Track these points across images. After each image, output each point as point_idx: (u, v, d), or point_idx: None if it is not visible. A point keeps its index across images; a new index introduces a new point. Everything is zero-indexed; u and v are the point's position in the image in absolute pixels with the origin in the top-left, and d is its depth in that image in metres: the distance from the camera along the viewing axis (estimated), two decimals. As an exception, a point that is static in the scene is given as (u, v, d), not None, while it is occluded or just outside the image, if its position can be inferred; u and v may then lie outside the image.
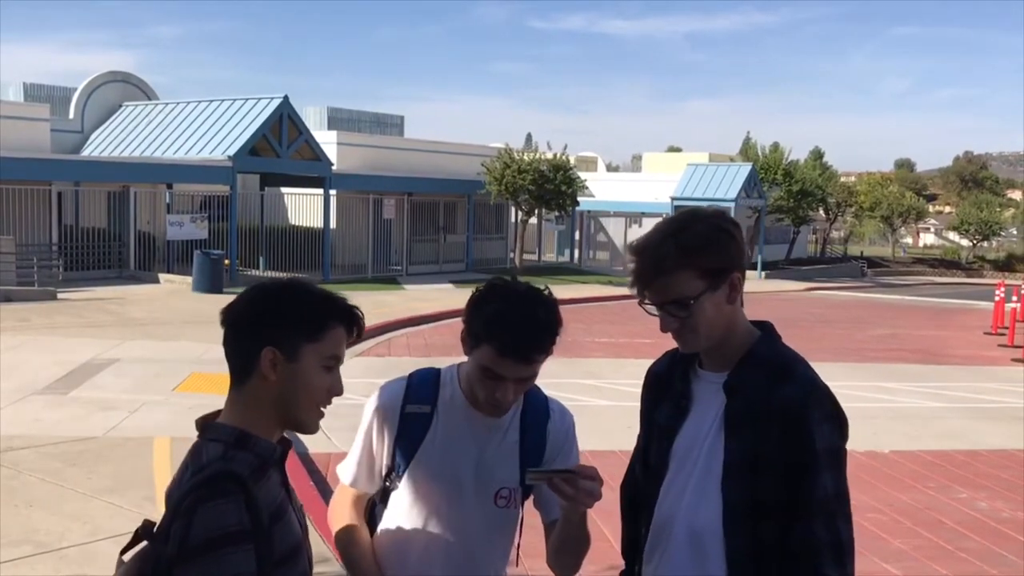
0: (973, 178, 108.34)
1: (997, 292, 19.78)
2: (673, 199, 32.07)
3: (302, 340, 1.72)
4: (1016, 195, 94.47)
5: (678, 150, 59.04)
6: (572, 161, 31.67)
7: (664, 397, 2.10)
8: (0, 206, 20.27)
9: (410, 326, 16.43)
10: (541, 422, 2.22)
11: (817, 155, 57.08)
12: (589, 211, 35.70)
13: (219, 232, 22.87)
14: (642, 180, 39.21)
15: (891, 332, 19.32)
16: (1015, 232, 61.42)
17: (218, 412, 1.78)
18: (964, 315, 23.98)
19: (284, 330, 1.72)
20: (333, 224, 25.16)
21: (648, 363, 2.23)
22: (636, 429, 2.22)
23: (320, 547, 4.62)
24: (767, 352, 1.97)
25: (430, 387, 2.20)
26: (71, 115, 26.47)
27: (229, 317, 1.77)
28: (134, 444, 7.70)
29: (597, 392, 10.83)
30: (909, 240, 69.12)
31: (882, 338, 18.26)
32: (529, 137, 61.20)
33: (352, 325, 1.79)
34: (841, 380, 11.33)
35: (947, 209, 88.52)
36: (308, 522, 1.90)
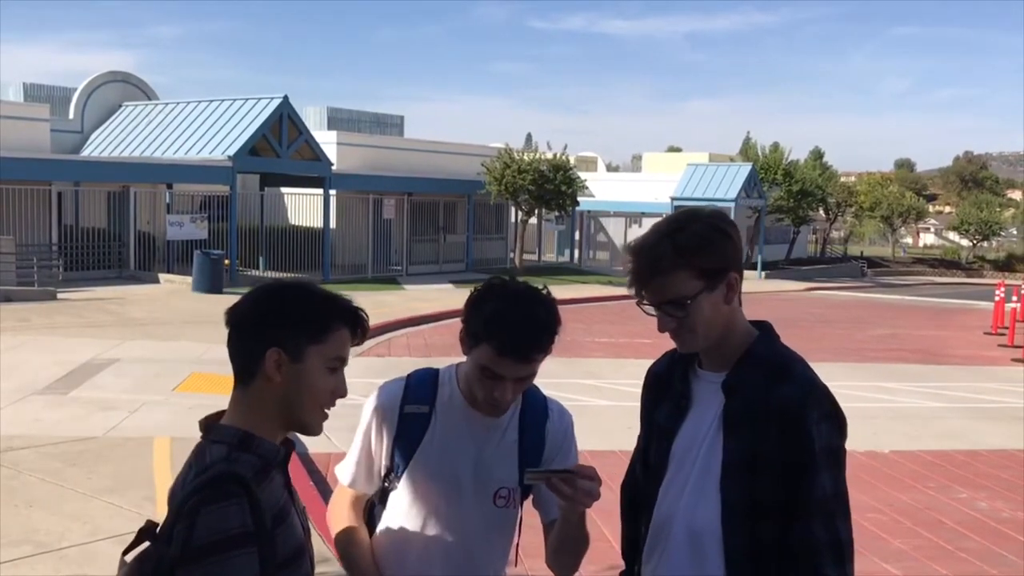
0: (973, 178, 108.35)
1: (997, 292, 19.78)
2: (673, 199, 32.07)
3: (306, 341, 1.72)
4: (1016, 195, 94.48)
5: (678, 150, 59.04)
6: (572, 161, 31.68)
7: (664, 397, 2.10)
8: (0, 206, 20.28)
9: (410, 326, 16.43)
10: (540, 422, 2.22)
11: (817, 155, 57.10)
12: (589, 211, 35.71)
13: (219, 232, 22.88)
14: (642, 180, 39.21)
15: (891, 332, 19.32)
16: (1015, 232, 61.42)
17: (221, 413, 1.78)
18: (964, 315, 23.98)
19: (289, 331, 1.72)
20: (333, 224, 25.16)
21: (648, 363, 2.23)
22: (636, 429, 2.22)
23: (320, 547, 4.62)
24: (765, 352, 1.98)
25: (428, 387, 2.20)
26: (71, 115, 26.47)
27: (233, 318, 1.76)
28: (134, 444, 7.70)
29: (597, 392, 10.84)
30: (909, 240, 69.13)
31: (882, 338, 18.26)
32: (529, 137, 61.30)
33: (356, 327, 1.79)
34: (841, 380, 11.34)
35: (947, 209, 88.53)
36: (309, 523, 1.90)
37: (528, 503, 2.26)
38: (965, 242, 53.99)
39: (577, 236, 36.56)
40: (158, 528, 1.68)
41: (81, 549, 5.35)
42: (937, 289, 34.32)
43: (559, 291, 17.19)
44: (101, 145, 25.94)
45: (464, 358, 2.13)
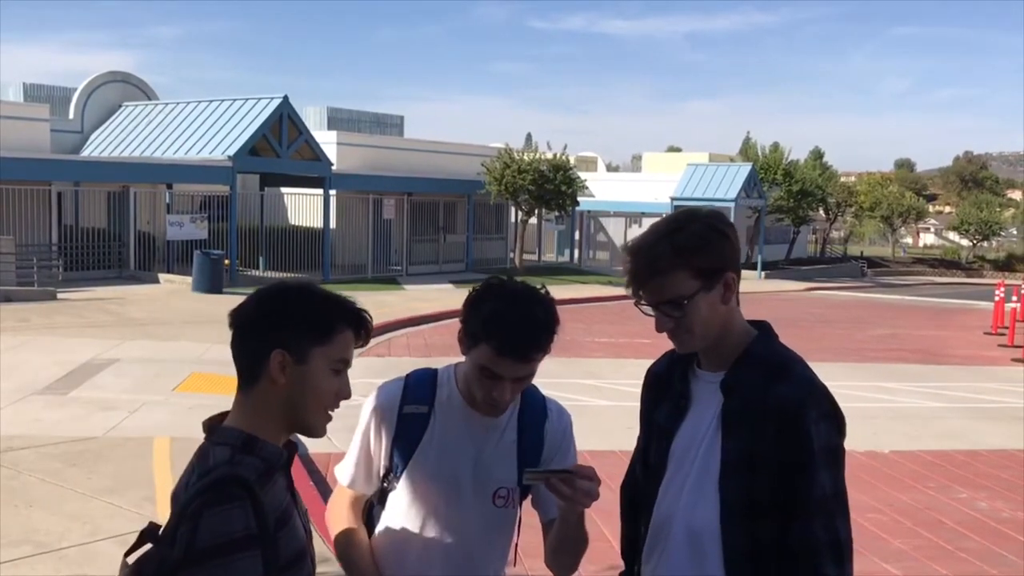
0: (973, 178, 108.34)
1: (997, 292, 19.78)
2: (673, 199, 32.08)
3: (311, 343, 1.72)
4: (1016, 195, 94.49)
5: (678, 150, 59.04)
6: (572, 161, 31.68)
7: (663, 397, 2.11)
8: (0, 206, 20.28)
9: (410, 326, 16.43)
10: (539, 422, 2.22)
11: (817, 155, 57.11)
12: (589, 211, 35.72)
13: (219, 232, 22.88)
14: (642, 180, 39.20)
15: (891, 332, 19.32)
16: (1015, 232, 61.43)
17: (225, 414, 1.78)
18: (964, 315, 23.98)
19: (293, 333, 1.71)
20: (333, 224, 25.16)
21: (648, 363, 2.24)
22: (636, 429, 2.23)
23: (320, 548, 4.62)
24: (764, 351, 1.98)
25: (427, 387, 2.20)
26: (71, 115, 26.48)
27: (237, 319, 1.76)
28: (134, 444, 7.70)
29: (597, 392, 10.84)
30: (909, 240, 69.13)
31: (882, 338, 18.26)
32: (529, 137, 61.29)
33: (360, 329, 1.79)
34: (841, 380, 11.34)
35: (947, 209, 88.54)
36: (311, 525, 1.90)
37: (527, 503, 2.26)
38: (965, 242, 54.00)
39: (577, 236, 36.56)
40: (160, 530, 1.67)
41: (81, 549, 5.35)
42: (937, 289, 34.32)
43: (559, 291, 17.15)
44: (101, 145, 25.94)
45: (463, 358, 2.13)
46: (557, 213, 30.99)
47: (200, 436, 1.77)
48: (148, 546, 1.67)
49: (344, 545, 2.21)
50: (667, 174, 36.18)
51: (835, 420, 1.92)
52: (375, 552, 2.21)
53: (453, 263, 29.61)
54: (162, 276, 21.71)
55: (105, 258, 22.61)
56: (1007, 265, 47.54)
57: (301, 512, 1.82)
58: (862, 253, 50.60)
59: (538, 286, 2.12)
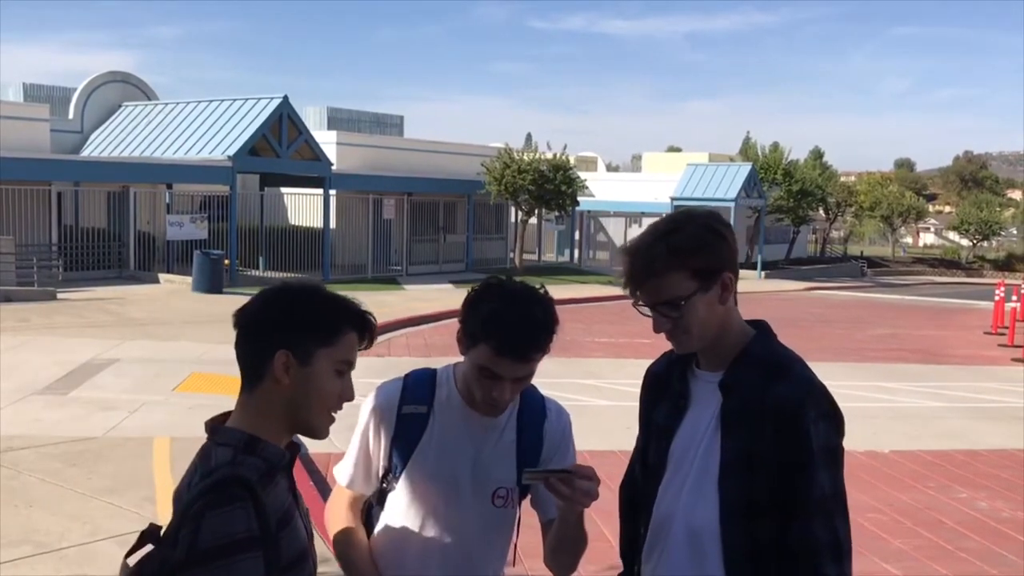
0: (973, 178, 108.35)
1: (997, 292, 19.79)
2: (673, 199, 32.09)
3: (315, 344, 1.72)
4: (1016, 195, 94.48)
5: (678, 150, 59.03)
6: (572, 161, 31.68)
7: (662, 397, 2.11)
8: (0, 206, 20.28)
9: (410, 326, 16.43)
10: (538, 421, 2.22)
11: (817, 155, 57.14)
12: (589, 211, 35.72)
13: (219, 232, 22.88)
14: (642, 180, 39.21)
15: (891, 332, 19.32)
16: (1015, 232, 61.44)
17: (227, 414, 1.78)
18: (964, 315, 23.98)
19: (298, 334, 1.71)
20: (333, 224, 25.17)
21: (648, 363, 2.24)
22: (635, 429, 2.23)
23: (320, 548, 4.62)
24: (762, 351, 1.98)
25: (426, 387, 2.20)
26: (71, 115, 26.48)
27: (242, 319, 1.76)
28: (134, 444, 7.70)
29: (597, 392, 10.84)
30: (909, 240, 69.14)
31: (882, 338, 18.26)
32: (529, 137, 61.28)
33: (364, 331, 1.79)
34: (841, 380, 11.35)
35: (947, 209, 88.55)
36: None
37: (526, 502, 2.26)
38: (965, 242, 54.01)
39: (577, 236, 36.57)
40: (161, 531, 1.67)
41: (81, 549, 5.35)
42: (937, 289, 34.32)
43: (559, 291, 17.11)
44: (101, 145, 25.94)
45: (462, 358, 2.13)
46: (557, 213, 30.99)
47: (201, 436, 1.77)
48: (149, 547, 1.67)
49: (343, 545, 2.21)
50: (667, 174, 36.18)
51: (834, 420, 1.92)
52: (374, 552, 2.21)
53: (453, 263, 29.61)
54: (162, 276, 21.72)
55: (105, 258, 22.61)
56: (1007, 265, 47.55)
57: (303, 513, 1.82)
58: (862, 253, 50.60)
59: (537, 286, 2.12)
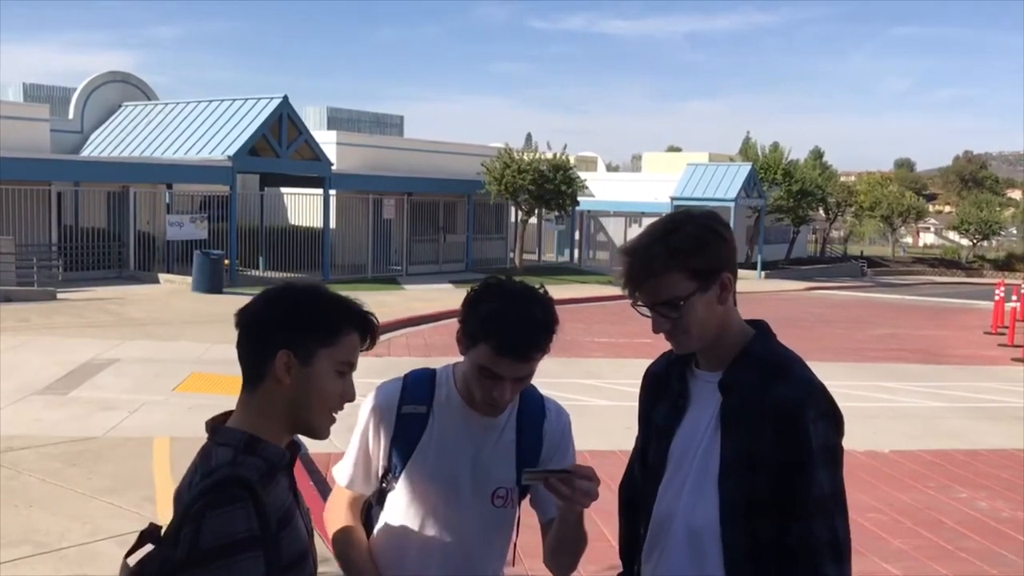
0: (973, 177, 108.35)
1: (997, 292, 19.78)
2: (673, 199, 32.09)
3: (317, 345, 1.72)
4: (1016, 194, 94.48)
5: (678, 150, 59.02)
6: (572, 161, 31.68)
7: (662, 397, 2.11)
8: (0, 206, 20.28)
9: (410, 326, 16.43)
10: (537, 421, 2.22)
11: (817, 155, 57.08)
12: (589, 211, 35.72)
13: (219, 232, 22.88)
14: (642, 180, 39.21)
15: (891, 332, 19.32)
16: (1015, 231, 61.46)
17: (228, 414, 1.78)
18: (964, 315, 23.98)
19: (299, 334, 1.71)
20: (333, 224, 25.17)
21: (648, 363, 2.24)
22: (635, 429, 2.23)
23: (321, 548, 4.62)
24: (761, 351, 1.98)
25: (426, 387, 2.20)
26: (71, 115, 26.48)
27: (244, 319, 1.76)
28: (134, 444, 7.70)
29: (597, 392, 10.84)
30: (909, 240, 69.14)
31: (882, 338, 18.26)
32: (529, 137, 61.25)
33: (366, 332, 1.79)
34: (841, 380, 11.35)
35: (947, 209, 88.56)
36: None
37: (526, 502, 2.26)
38: (965, 241, 54.03)
39: (577, 236, 36.57)
40: (162, 531, 1.68)
41: (81, 549, 5.35)
42: (937, 289, 34.33)
43: (559, 291, 17.06)
44: (101, 145, 25.94)
45: (462, 358, 2.13)
46: (557, 213, 31.00)
47: (201, 436, 1.78)
48: (149, 547, 1.67)
49: (343, 545, 2.21)
50: (667, 174, 36.18)
51: (833, 419, 1.92)
52: (373, 552, 2.21)
53: (453, 263, 29.61)
54: (162, 276, 21.72)
55: (105, 258, 22.61)
56: (1007, 264, 47.56)
57: (303, 512, 1.82)
58: (862, 253, 50.61)
59: (537, 286, 2.12)
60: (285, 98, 23.43)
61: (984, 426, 10.04)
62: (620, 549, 2.23)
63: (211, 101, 25.07)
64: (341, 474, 2.28)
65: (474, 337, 2.04)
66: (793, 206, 36.43)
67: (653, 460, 2.08)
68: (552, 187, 27.90)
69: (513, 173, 27.65)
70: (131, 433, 8.07)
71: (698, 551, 1.95)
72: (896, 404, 11.17)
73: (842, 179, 53.17)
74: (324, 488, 6.45)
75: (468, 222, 30.47)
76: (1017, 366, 14.73)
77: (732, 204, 31.36)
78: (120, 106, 27.26)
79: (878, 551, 5.82)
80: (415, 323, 16.80)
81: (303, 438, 1.82)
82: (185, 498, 1.65)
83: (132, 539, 1.69)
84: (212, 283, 19.77)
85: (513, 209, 30.83)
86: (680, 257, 1.91)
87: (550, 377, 8.31)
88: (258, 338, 1.74)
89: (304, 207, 25.81)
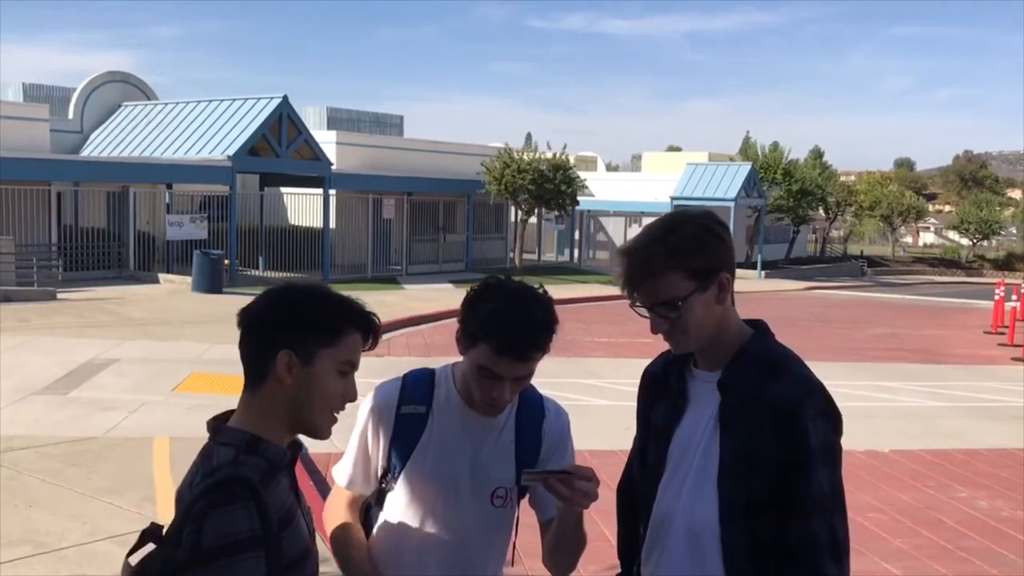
0: (973, 177, 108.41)
1: (997, 291, 19.79)
2: (673, 199, 32.09)
3: (318, 345, 1.72)
4: (1016, 194, 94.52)
5: (678, 150, 59.04)
6: (572, 161, 31.69)
7: (660, 397, 2.11)
8: (0, 206, 20.28)
9: (410, 326, 16.43)
10: (536, 421, 2.22)
11: (817, 154, 57.12)
12: (589, 211, 35.73)
13: (219, 232, 22.88)
14: (642, 180, 39.22)
15: (891, 331, 19.32)
16: (1015, 231, 61.48)
17: (229, 413, 1.78)
18: (964, 314, 23.99)
19: (300, 334, 1.72)
20: (333, 224, 25.17)
21: (648, 363, 2.24)
22: (635, 430, 2.23)
23: (322, 547, 4.62)
24: (759, 350, 1.98)
25: (425, 387, 2.20)
26: (70, 115, 26.48)
27: (246, 319, 1.76)
28: (134, 444, 7.70)
29: (597, 392, 10.84)
30: (909, 239, 69.16)
31: (882, 337, 18.26)
32: (529, 137, 61.29)
33: (368, 332, 1.80)
34: (841, 379, 11.36)
35: (947, 208, 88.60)
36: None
37: (525, 502, 2.26)
38: (965, 241, 54.04)
39: (577, 236, 36.57)
40: (163, 530, 1.68)
41: (81, 549, 5.35)
42: (937, 288, 34.33)
43: (559, 291, 17.02)
44: (101, 145, 25.94)
45: (462, 358, 2.13)
46: (557, 213, 31.00)
47: (201, 435, 1.78)
48: (151, 546, 1.67)
49: (342, 545, 2.21)
50: (667, 174, 36.19)
51: (832, 418, 1.92)
52: (373, 552, 2.21)
53: (453, 263, 29.61)
54: (162, 276, 21.72)
55: (105, 258, 22.61)
56: (1007, 264, 47.56)
57: (304, 511, 1.82)
58: (862, 252, 50.62)
59: (536, 285, 2.12)
60: (285, 98, 23.43)
61: (984, 425, 10.04)
62: (618, 550, 2.23)
63: (211, 101, 25.07)
64: (340, 474, 2.28)
65: (474, 337, 2.03)
66: (793, 206, 36.44)
67: (652, 460, 2.08)
68: (552, 187, 27.90)
69: (513, 173, 27.65)
70: (131, 433, 8.07)
71: (698, 551, 1.95)
72: (896, 404, 11.17)
73: (842, 179, 53.20)
74: (324, 488, 6.45)
75: (468, 222, 30.47)
76: (1017, 365, 14.73)
77: (732, 204, 31.38)
78: (120, 106, 27.26)
79: (878, 551, 5.82)
80: (415, 323, 16.80)
81: (304, 438, 1.83)
82: (187, 498, 1.65)
83: (132, 539, 1.69)
84: (212, 283, 19.78)
85: (513, 209, 30.83)
86: (679, 257, 1.91)
87: (550, 377, 8.31)
88: (259, 338, 1.74)
89: (304, 207, 25.81)
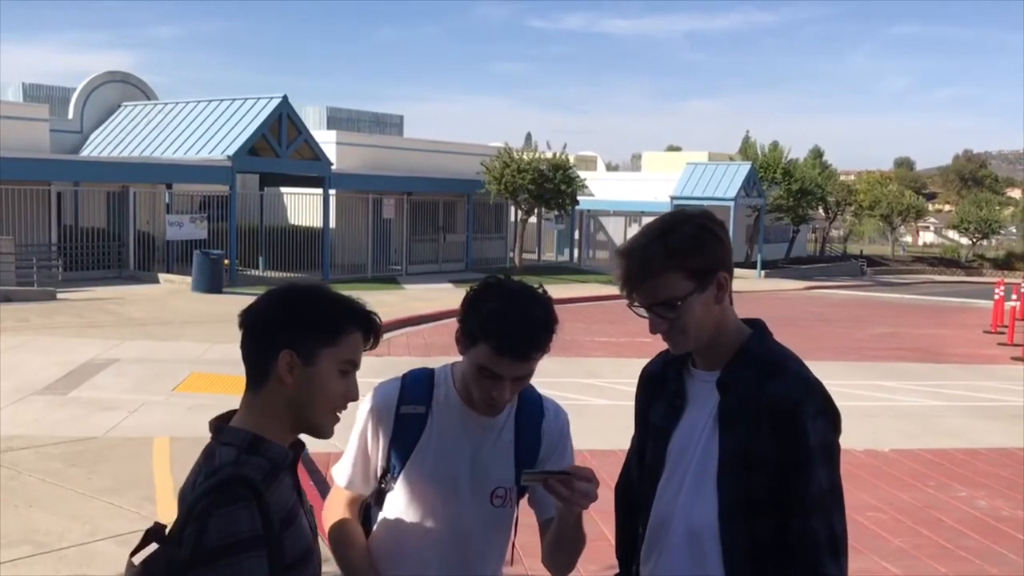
0: (973, 176, 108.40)
1: (996, 290, 19.80)
2: (673, 198, 32.09)
3: (319, 344, 1.73)
4: (1015, 193, 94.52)
5: (678, 149, 59.05)
6: (572, 160, 31.69)
7: (659, 397, 2.11)
8: (0, 206, 20.28)
9: (410, 326, 16.43)
10: (536, 421, 2.22)
11: (816, 154, 57.11)
12: (589, 210, 35.73)
13: (219, 232, 22.88)
14: (642, 179, 39.23)
15: (891, 331, 19.32)
16: (1014, 230, 61.49)
17: (232, 413, 1.79)
18: (963, 313, 23.99)
19: (302, 334, 1.72)
20: (333, 224, 25.17)
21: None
22: (633, 430, 2.23)
23: (322, 547, 4.62)
24: (758, 349, 1.98)
25: (424, 387, 2.20)
26: (70, 115, 26.48)
27: (247, 319, 1.77)
28: (134, 444, 7.71)
29: (597, 392, 10.84)
30: (909, 239, 69.15)
31: (882, 337, 18.26)
32: (529, 137, 61.18)
33: (369, 331, 1.80)
34: (841, 379, 11.36)
35: (947, 208, 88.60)
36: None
37: (524, 502, 2.26)
38: (965, 240, 54.04)
39: (577, 235, 36.57)
40: (167, 530, 1.68)
41: (81, 549, 5.35)
42: (937, 287, 34.33)
43: (558, 290, 17.02)
44: (100, 145, 25.94)
45: (462, 358, 2.13)
46: (557, 212, 31.00)
47: (201, 435, 1.78)
48: (154, 546, 1.68)
49: (341, 545, 2.21)
50: (667, 173, 36.20)
51: (830, 417, 1.92)
52: (372, 552, 2.21)
53: (453, 263, 29.61)
54: (162, 276, 21.72)
55: (105, 258, 22.61)
56: (1007, 263, 47.56)
57: (307, 510, 1.83)
58: (862, 252, 50.61)
59: (536, 285, 2.12)
60: (285, 98, 23.43)
61: (984, 425, 10.04)
62: (617, 549, 2.23)
63: (211, 101, 25.07)
64: (340, 474, 2.28)
65: (473, 337, 2.03)
66: (793, 205, 36.43)
67: (651, 460, 2.09)
68: (552, 186, 27.90)
69: (513, 172, 27.65)
70: (131, 433, 8.08)
71: (697, 551, 1.95)
72: (896, 403, 11.17)
73: (842, 178, 53.21)
74: (325, 488, 6.45)
75: (468, 222, 30.47)
76: (1016, 365, 14.73)
77: (732, 203, 31.38)
78: (120, 106, 27.26)
79: (878, 550, 5.82)
80: (415, 323, 16.80)
81: (305, 437, 1.83)
82: (189, 497, 1.66)
83: (132, 539, 1.70)
84: (212, 283, 19.78)
85: (513, 209, 30.83)
86: (678, 257, 1.91)
87: (550, 377, 8.31)
88: (261, 338, 1.74)
89: (304, 207, 25.81)
